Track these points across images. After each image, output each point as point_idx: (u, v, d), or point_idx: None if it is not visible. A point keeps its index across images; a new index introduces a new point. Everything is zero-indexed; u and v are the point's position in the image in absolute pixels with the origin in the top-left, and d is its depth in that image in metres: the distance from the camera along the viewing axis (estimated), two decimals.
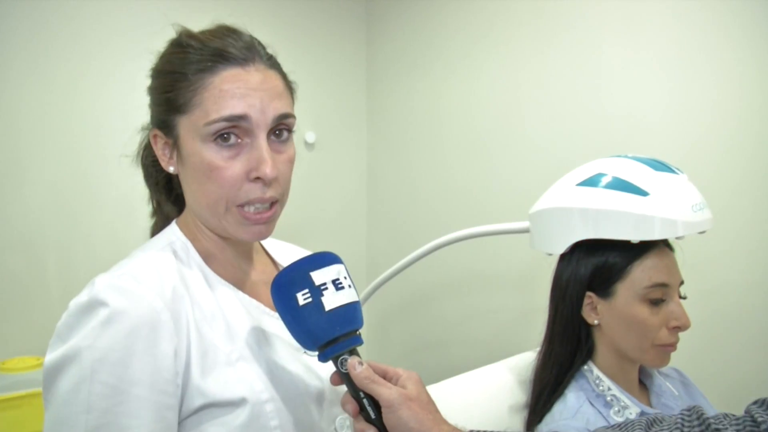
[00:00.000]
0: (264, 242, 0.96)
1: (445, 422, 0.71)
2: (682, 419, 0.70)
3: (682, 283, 1.06)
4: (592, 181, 1.07)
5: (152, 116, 0.81)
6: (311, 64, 2.54)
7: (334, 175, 2.64)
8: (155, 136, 0.80)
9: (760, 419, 0.65)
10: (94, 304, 0.68)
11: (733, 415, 0.68)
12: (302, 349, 0.78)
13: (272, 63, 0.80)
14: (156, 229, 0.90)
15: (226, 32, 0.78)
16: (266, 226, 0.79)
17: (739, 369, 1.49)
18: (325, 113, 2.60)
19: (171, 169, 0.80)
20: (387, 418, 0.69)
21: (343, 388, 0.75)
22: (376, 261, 2.63)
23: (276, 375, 0.77)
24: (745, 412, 0.68)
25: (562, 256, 1.13)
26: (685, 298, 1.07)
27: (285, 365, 0.79)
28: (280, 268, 0.85)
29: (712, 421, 0.67)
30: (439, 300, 2.30)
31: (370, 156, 2.70)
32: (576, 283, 1.08)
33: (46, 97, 1.88)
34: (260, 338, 0.78)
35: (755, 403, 0.69)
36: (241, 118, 0.73)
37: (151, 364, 0.68)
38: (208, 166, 0.74)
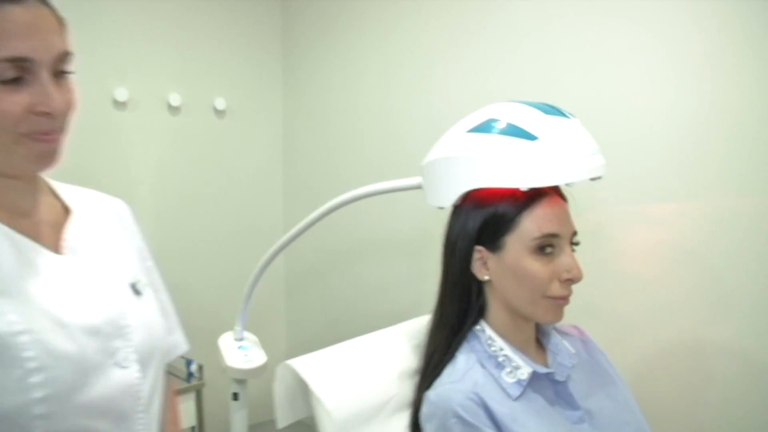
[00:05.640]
0: (56, 186, 0.92)
1: None
2: None
3: (575, 233, 1.00)
4: (481, 128, 0.99)
5: None
6: (221, 26, 2.40)
7: (247, 143, 2.52)
8: None
9: None
10: None
11: None
12: (81, 286, 0.80)
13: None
14: None
15: None
16: (56, 152, 0.78)
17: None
18: (238, 79, 2.47)
19: None
20: None
21: (126, 320, 0.81)
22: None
23: (39, 309, 0.75)
24: None
25: (454, 210, 1.05)
26: (578, 243, 1.00)
27: (52, 300, 0.77)
28: (70, 210, 0.88)
29: None
30: (357, 261, 2.25)
31: (286, 124, 2.58)
32: (464, 237, 1.01)
33: None
34: (26, 275, 0.77)
35: None
36: (25, 59, 0.71)
37: None
38: None
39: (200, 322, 2.23)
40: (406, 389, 1.06)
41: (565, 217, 0.99)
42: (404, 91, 2.02)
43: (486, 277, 1.00)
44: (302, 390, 1.02)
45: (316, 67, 2.39)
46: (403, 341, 1.13)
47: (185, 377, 2.02)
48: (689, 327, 1.40)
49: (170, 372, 2.00)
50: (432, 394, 0.96)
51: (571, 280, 0.97)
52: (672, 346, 1.44)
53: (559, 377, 1.01)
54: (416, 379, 1.06)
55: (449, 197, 1.02)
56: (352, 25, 2.21)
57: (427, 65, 1.94)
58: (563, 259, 0.97)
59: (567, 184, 0.96)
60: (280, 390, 1.06)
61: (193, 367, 2.02)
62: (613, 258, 1.51)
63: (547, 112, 0.98)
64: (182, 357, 2.02)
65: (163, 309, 0.95)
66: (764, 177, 1.28)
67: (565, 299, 0.98)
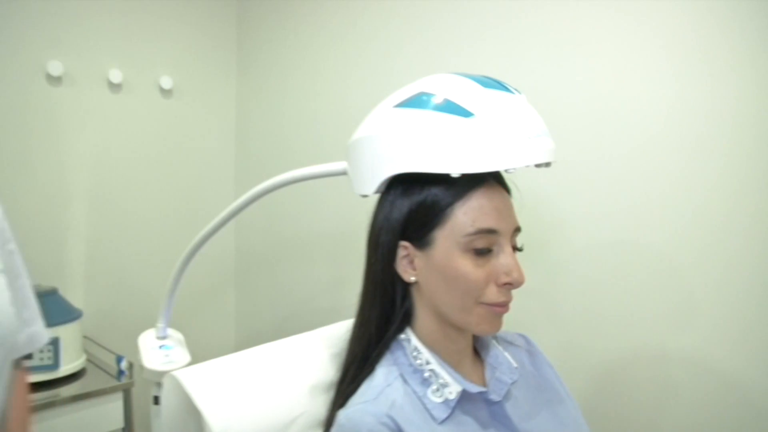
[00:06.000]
0: None
1: None
2: None
3: (518, 230, 0.85)
4: (409, 102, 0.84)
5: None
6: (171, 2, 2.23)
7: (196, 125, 2.34)
8: None
9: None
10: None
11: None
12: None
13: None
14: None
15: None
16: None
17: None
18: (187, 57, 2.30)
19: None
20: None
21: None
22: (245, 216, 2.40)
23: None
24: None
25: (379, 199, 0.90)
26: (521, 249, 0.86)
27: None
28: None
29: None
30: (311, 252, 2.12)
31: (239, 106, 2.42)
32: (388, 230, 0.86)
33: None
34: None
35: None
36: None
37: None
38: None
39: (137, 315, 2.06)
40: (318, 406, 0.91)
41: (506, 211, 0.84)
42: (361, 76, 1.88)
43: (412, 278, 0.86)
44: (193, 407, 0.87)
45: (273, 47, 2.23)
46: (320, 349, 0.98)
47: (115, 375, 1.86)
48: (653, 334, 1.28)
49: (101, 368, 1.87)
50: (342, 416, 0.81)
51: (511, 284, 0.82)
52: (634, 354, 1.31)
53: (494, 397, 0.86)
54: (331, 394, 0.92)
55: (372, 183, 0.87)
56: (311, 8, 2.06)
57: (385, 50, 1.80)
58: (502, 260, 0.82)
59: (507, 171, 0.81)
60: (168, 406, 0.90)
61: (123, 365, 1.86)
62: (572, 259, 1.37)
63: (486, 85, 0.83)
64: (113, 353, 1.88)
65: (21, 298, 0.84)
66: (735, 176, 1.16)
67: (503, 306, 0.83)
